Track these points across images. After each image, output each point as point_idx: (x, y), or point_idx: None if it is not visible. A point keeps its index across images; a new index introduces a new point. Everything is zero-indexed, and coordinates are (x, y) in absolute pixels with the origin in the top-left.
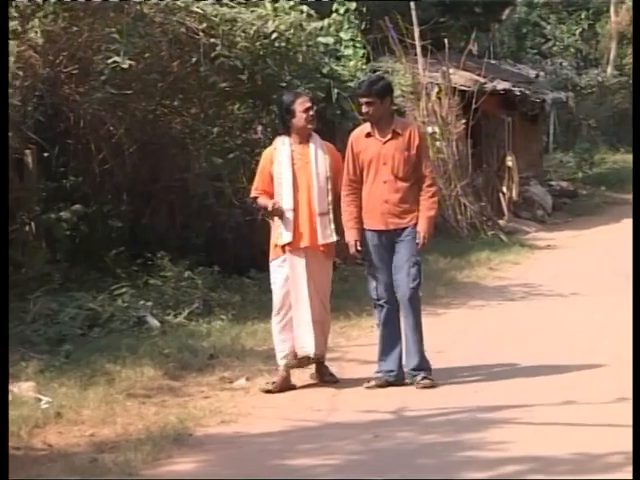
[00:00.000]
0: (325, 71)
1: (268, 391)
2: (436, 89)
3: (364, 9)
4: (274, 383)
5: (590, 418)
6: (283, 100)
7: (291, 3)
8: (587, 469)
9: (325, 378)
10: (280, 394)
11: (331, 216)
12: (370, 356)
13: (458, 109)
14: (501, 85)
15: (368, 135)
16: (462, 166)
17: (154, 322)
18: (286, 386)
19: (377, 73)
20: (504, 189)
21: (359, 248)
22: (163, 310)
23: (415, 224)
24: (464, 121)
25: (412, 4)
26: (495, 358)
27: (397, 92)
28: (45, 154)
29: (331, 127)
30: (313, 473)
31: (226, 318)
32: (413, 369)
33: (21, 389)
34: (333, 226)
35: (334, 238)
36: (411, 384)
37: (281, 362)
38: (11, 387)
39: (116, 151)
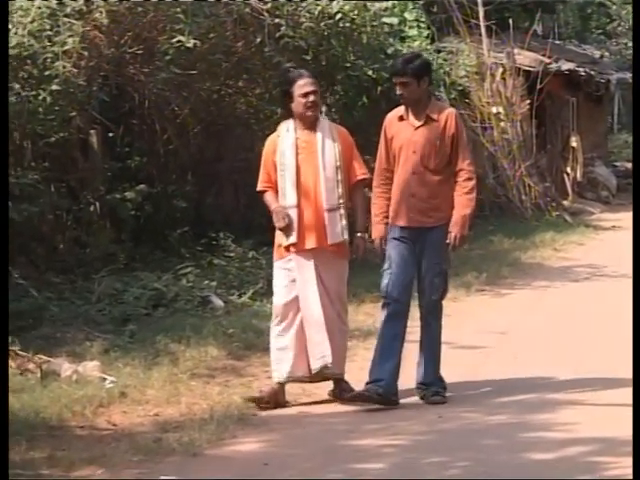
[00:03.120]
0: (389, 52)
1: (253, 399)
2: (500, 69)
3: None
4: (261, 392)
5: None
6: (283, 81)
7: None
8: None
9: (345, 395)
10: (346, 375)
11: (342, 211)
12: None
13: (522, 90)
14: (566, 65)
15: (401, 118)
16: (526, 147)
17: (218, 302)
18: (274, 401)
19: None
20: (568, 170)
21: (384, 246)
22: (227, 290)
23: (444, 225)
24: (528, 102)
25: None
26: (559, 340)
27: (462, 72)
28: (110, 134)
29: (394, 107)
30: (379, 453)
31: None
32: (424, 383)
33: (86, 369)
34: (345, 222)
35: (346, 237)
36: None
37: (276, 374)
38: (76, 366)
39: (181, 131)
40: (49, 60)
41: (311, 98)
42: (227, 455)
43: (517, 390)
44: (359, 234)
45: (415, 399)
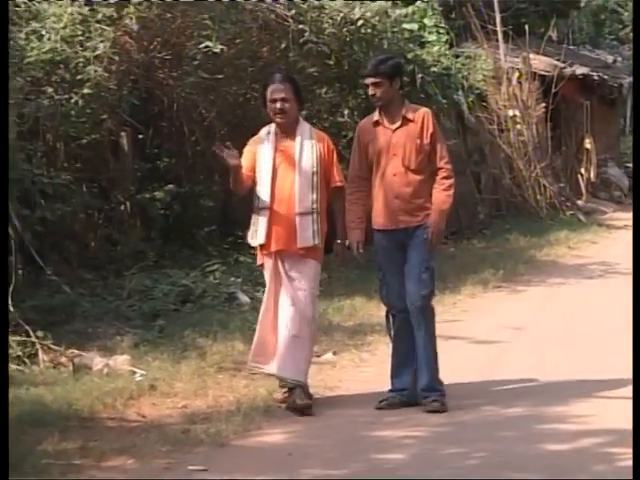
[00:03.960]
0: (409, 56)
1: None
2: (517, 74)
3: None
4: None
5: None
6: (262, 83)
7: None
8: None
9: (291, 405)
10: (367, 368)
11: (315, 216)
12: (453, 331)
13: (538, 93)
14: (580, 70)
15: (376, 124)
16: (542, 148)
17: (244, 298)
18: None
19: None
20: (582, 170)
21: (361, 250)
22: (253, 286)
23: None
24: (544, 105)
25: None
26: (574, 335)
27: (479, 77)
28: (140, 136)
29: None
30: (399, 444)
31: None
32: (423, 389)
33: (116, 362)
34: (317, 227)
35: (316, 242)
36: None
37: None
38: (107, 360)
39: (208, 133)
40: (81, 65)
41: (278, 105)
42: (253, 446)
43: (532, 383)
44: (339, 241)
45: None
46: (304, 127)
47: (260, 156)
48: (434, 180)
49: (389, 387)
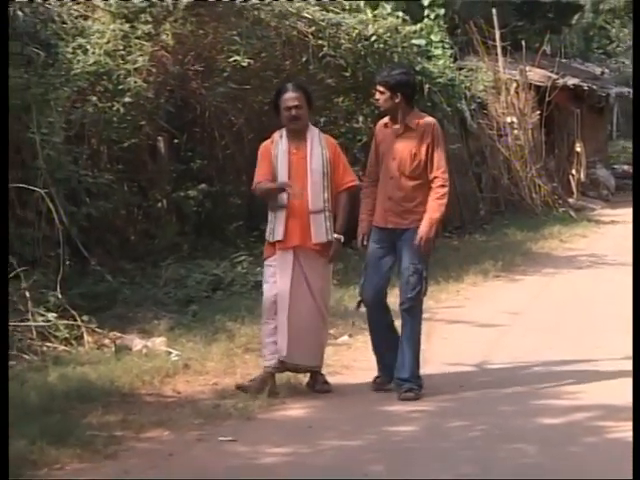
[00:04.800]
0: (418, 69)
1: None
2: (514, 84)
3: (452, 14)
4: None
5: None
6: (275, 93)
7: (388, 10)
8: None
9: (317, 387)
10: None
11: (327, 214)
12: (456, 316)
13: (533, 102)
14: (571, 81)
15: (386, 126)
16: (537, 151)
17: None
18: (262, 388)
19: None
20: (573, 171)
21: (365, 243)
22: None
23: (418, 227)
24: (538, 112)
25: (494, 10)
26: (566, 319)
27: (480, 87)
28: (175, 140)
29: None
30: (409, 417)
31: (334, 281)
32: (399, 378)
33: (154, 344)
34: (329, 224)
35: (329, 237)
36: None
37: (266, 363)
38: (145, 342)
39: (237, 138)
40: (122, 76)
41: (293, 112)
42: (277, 419)
43: (528, 363)
44: (336, 235)
45: (439, 370)
46: (313, 132)
47: (275, 158)
48: (429, 187)
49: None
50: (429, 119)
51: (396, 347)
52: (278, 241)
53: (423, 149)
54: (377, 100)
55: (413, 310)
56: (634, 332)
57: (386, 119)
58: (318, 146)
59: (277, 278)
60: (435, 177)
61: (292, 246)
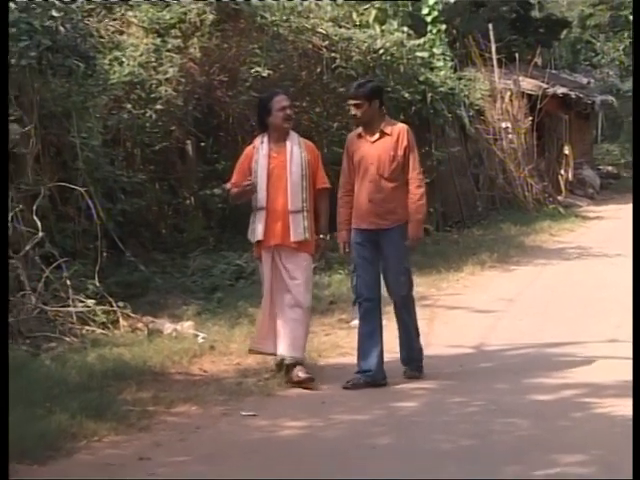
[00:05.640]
0: (421, 79)
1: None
2: (509, 93)
3: (452, 30)
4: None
5: (630, 353)
6: (261, 98)
7: (395, 25)
8: (628, 394)
9: (294, 379)
10: (386, 332)
11: (305, 214)
12: (456, 303)
13: (526, 109)
14: (560, 90)
15: (359, 136)
16: (529, 154)
17: None
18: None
19: (371, 78)
20: (562, 172)
21: (347, 250)
22: None
23: (399, 226)
24: (531, 118)
25: (490, 26)
26: (555, 305)
27: (478, 95)
28: (202, 144)
29: (425, 123)
30: (413, 394)
31: (343, 272)
32: (403, 360)
33: (183, 327)
34: (307, 223)
35: (307, 236)
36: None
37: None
38: (175, 325)
39: None
40: (154, 85)
41: (288, 111)
42: (293, 395)
43: (522, 345)
44: (321, 236)
45: (440, 352)
46: (293, 137)
47: (256, 162)
48: (406, 188)
49: (356, 369)
50: (402, 125)
51: (378, 347)
52: (259, 241)
53: (400, 152)
54: (354, 115)
55: (407, 305)
56: (634, 326)
57: (359, 130)
58: (297, 150)
59: (265, 275)
60: (411, 178)
61: (272, 245)
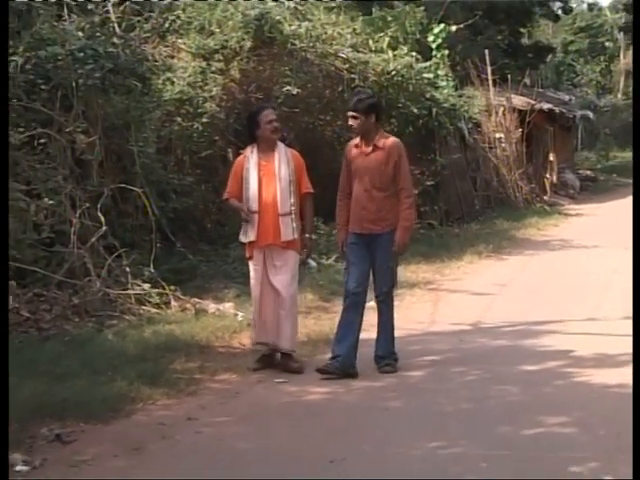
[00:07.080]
0: (427, 96)
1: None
2: (502, 108)
3: (454, 55)
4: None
5: (606, 330)
6: (250, 113)
7: (405, 50)
8: (604, 364)
9: (287, 367)
10: (396, 313)
11: (293, 216)
12: (457, 287)
13: (516, 122)
14: (546, 106)
15: (357, 146)
16: (519, 160)
17: (313, 264)
18: (268, 364)
19: (367, 92)
20: (547, 175)
21: (345, 249)
22: (319, 255)
23: (390, 231)
24: (520, 130)
25: (486, 51)
26: (542, 289)
27: (476, 110)
28: (240, 151)
29: (431, 133)
30: (419, 365)
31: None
32: (378, 355)
33: (224, 307)
34: (295, 225)
35: (295, 236)
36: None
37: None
38: (218, 306)
39: None
40: (200, 102)
41: (275, 124)
42: (319, 361)
43: (513, 323)
44: (307, 235)
45: (443, 329)
46: (280, 147)
47: (247, 170)
48: (397, 197)
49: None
50: (394, 139)
51: (352, 336)
52: (251, 242)
53: (391, 165)
54: (351, 126)
55: (387, 300)
56: (634, 320)
57: (357, 140)
58: (285, 158)
59: (258, 273)
60: (402, 188)
61: (264, 245)
